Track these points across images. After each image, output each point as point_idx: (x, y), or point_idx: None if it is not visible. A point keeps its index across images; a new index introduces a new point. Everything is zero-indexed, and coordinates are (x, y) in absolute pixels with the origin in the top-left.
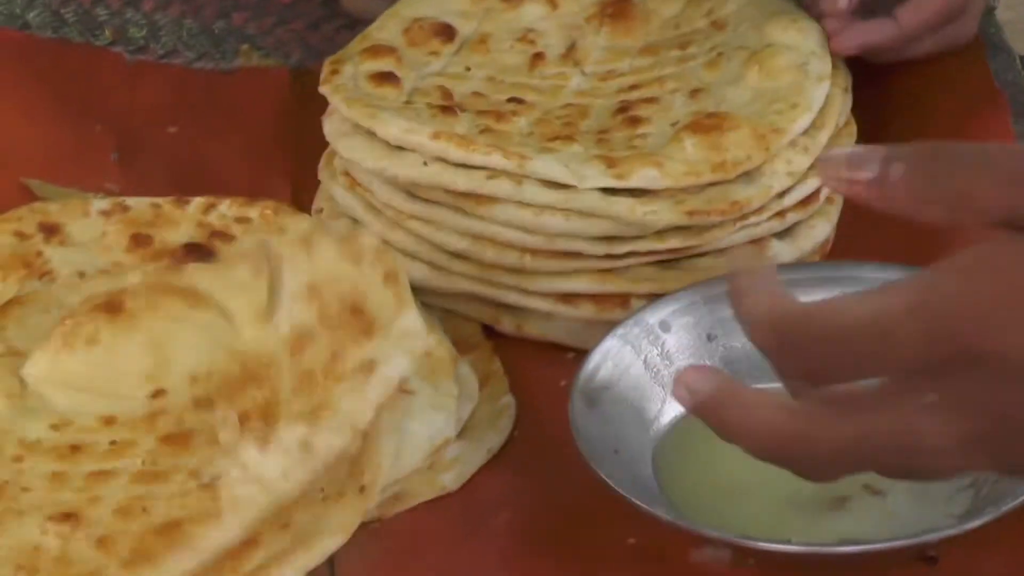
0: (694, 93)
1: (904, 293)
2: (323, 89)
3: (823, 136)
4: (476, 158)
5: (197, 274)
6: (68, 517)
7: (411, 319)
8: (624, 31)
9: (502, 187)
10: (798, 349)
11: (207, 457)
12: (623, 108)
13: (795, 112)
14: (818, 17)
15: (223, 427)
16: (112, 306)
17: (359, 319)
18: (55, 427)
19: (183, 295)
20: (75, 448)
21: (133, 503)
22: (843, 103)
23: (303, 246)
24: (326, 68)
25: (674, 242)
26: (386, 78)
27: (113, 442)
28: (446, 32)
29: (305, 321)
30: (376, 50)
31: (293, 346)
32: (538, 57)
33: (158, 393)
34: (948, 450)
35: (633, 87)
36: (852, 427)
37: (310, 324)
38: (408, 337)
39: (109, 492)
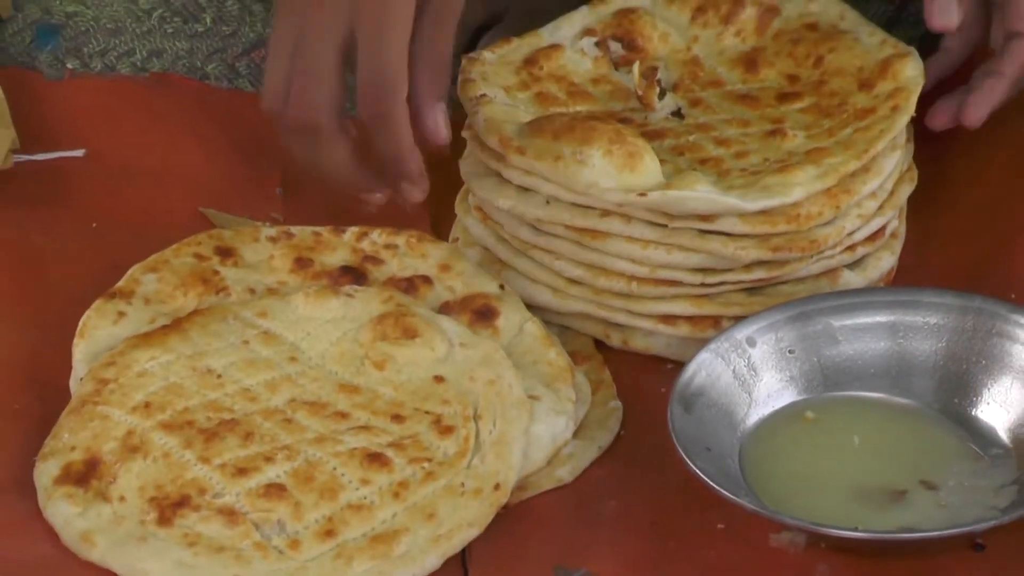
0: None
1: None
2: (465, 133)
3: (889, 183)
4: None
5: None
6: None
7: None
8: None
9: (614, 224)
10: None
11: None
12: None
13: (867, 176)
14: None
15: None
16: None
17: None
18: None
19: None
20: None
21: None
22: (906, 152)
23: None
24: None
25: (760, 273)
26: None
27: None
28: None
29: None
30: None
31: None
32: None
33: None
34: None
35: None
36: None
37: None
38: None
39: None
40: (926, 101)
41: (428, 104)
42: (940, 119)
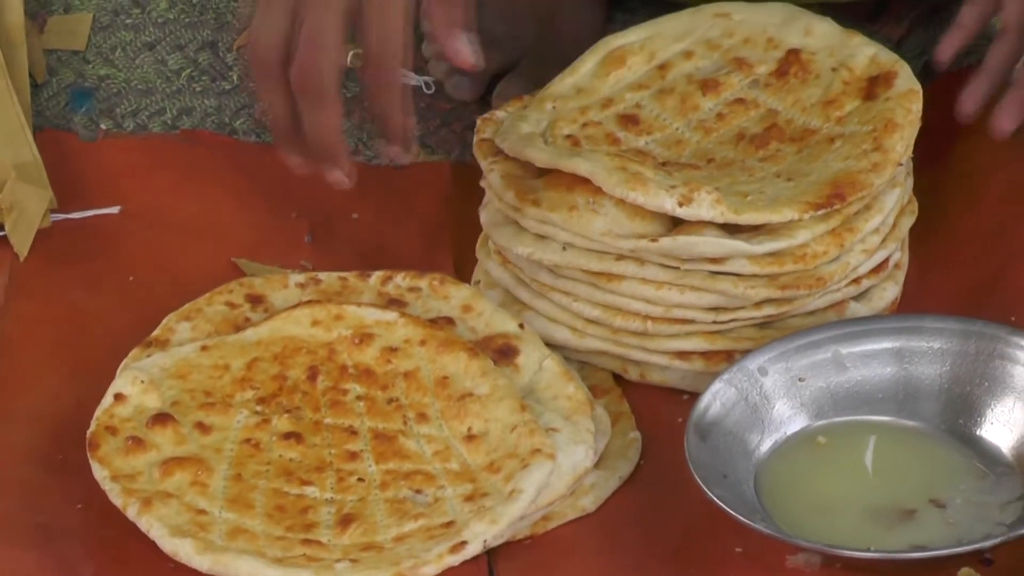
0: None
1: None
2: (484, 183)
3: (890, 218)
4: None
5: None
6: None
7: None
8: None
9: (628, 268)
10: None
11: None
12: None
13: (869, 214)
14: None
15: None
16: None
17: None
18: None
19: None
20: None
21: None
22: (907, 185)
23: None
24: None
25: (769, 309)
26: None
27: None
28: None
29: None
30: None
31: None
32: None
33: None
34: None
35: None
36: None
37: None
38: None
39: None
40: (943, 77)
41: (445, 34)
42: (969, 106)
